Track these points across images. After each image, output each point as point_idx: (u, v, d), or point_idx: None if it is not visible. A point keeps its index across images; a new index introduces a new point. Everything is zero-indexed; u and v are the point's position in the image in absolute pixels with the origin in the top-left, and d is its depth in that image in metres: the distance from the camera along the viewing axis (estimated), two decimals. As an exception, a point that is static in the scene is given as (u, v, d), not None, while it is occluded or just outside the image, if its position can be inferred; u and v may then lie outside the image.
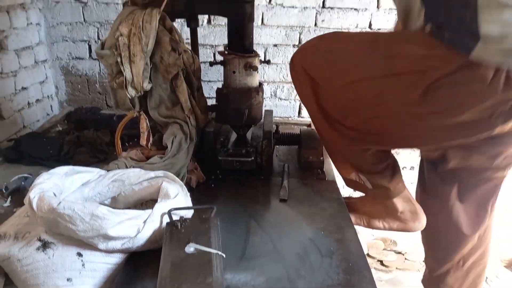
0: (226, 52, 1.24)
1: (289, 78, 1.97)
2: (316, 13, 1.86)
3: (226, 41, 1.28)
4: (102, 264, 0.83)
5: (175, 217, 0.87)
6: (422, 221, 1.21)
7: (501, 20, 0.73)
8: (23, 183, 1.23)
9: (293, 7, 1.85)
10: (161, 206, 0.89)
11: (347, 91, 0.97)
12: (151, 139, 1.27)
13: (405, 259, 2.13)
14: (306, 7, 1.85)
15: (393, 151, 1.17)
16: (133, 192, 1.01)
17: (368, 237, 2.10)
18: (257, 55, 1.24)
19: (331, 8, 1.84)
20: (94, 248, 0.82)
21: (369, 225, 1.26)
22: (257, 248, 0.93)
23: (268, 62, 1.35)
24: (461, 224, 1.18)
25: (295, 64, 1.08)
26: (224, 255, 0.80)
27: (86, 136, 1.55)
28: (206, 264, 0.75)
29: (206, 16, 1.88)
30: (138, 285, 0.81)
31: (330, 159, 1.45)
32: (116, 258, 0.84)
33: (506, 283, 1.96)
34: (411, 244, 2.07)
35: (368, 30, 1.88)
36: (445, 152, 1.12)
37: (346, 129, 1.02)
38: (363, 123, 0.98)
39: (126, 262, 0.86)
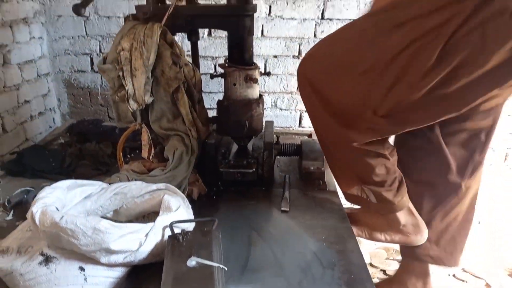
0: (226, 65, 1.26)
1: (290, 89, 2.00)
2: (315, 25, 1.88)
3: (226, 53, 1.29)
4: (104, 278, 0.83)
5: (176, 230, 0.88)
6: (424, 234, 1.20)
7: None
8: (25, 196, 1.23)
9: (292, 18, 1.88)
10: (163, 219, 0.89)
11: (363, 81, 0.93)
12: (152, 151, 1.28)
13: (408, 268, 2.11)
14: (305, 19, 1.87)
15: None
16: (135, 205, 1.02)
17: (371, 247, 2.10)
18: (257, 67, 1.26)
19: (330, 19, 1.86)
20: (96, 262, 0.82)
21: (371, 237, 1.26)
22: (259, 261, 0.94)
23: (268, 74, 1.36)
24: (448, 165, 1.15)
25: (299, 76, 1.08)
26: (225, 268, 0.80)
27: (88, 148, 1.56)
28: (208, 278, 0.75)
29: (207, 29, 1.90)
30: (140, 299, 0.81)
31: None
32: (118, 272, 0.85)
33: (510, 292, 1.95)
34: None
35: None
36: None
37: (378, 118, 0.95)
38: (397, 104, 0.92)
39: (128, 276, 0.87)
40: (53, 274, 0.81)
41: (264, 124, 1.40)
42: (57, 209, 0.87)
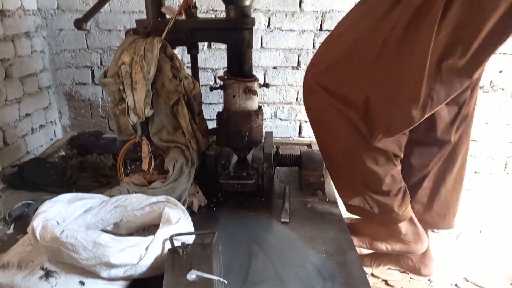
0: (226, 77, 1.27)
1: (289, 99, 2.01)
2: (314, 36, 1.90)
3: (226, 65, 1.31)
4: (105, 292, 0.83)
5: (176, 243, 0.88)
6: (424, 243, 1.21)
7: None
8: (26, 209, 1.23)
9: (291, 30, 1.90)
10: (163, 232, 0.89)
11: (381, 65, 0.95)
12: (152, 163, 1.28)
13: (410, 278, 2.10)
14: (304, 30, 1.89)
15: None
16: (135, 217, 1.02)
17: (372, 256, 2.09)
18: (256, 79, 1.27)
19: (329, 30, 1.88)
20: (96, 276, 0.82)
21: (372, 247, 1.26)
22: (259, 273, 0.93)
23: (267, 85, 1.37)
24: (434, 122, 1.13)
25: (308, 86, 1.09)
26: (226, 282, 0.80)
27: (89, 160, 1.57)
28: (208, 291, 0.75)
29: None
30: (140, 312, 0.81)
31: (330, 180, 1.46)
32: (118, 286, 0.85)
33: (513, 302, 1.93)
34: (416, 263, 2.05)
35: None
36: None
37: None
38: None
39: (128, 290, 0.87)
40: (53, 288, 0.81)
41: (263, 135, 1.41)
42: (58, 223, 0.87)
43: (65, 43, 1.95)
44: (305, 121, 2.05)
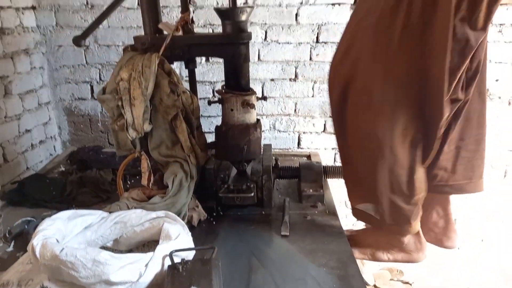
0: (223, 91, 1.28)
1: (287, 111, 2.02)
2: (311, 48, 1.92)
3: (224, 78, 1.32)
4: (105, 310, 0.83)
5: (176, 259, 0.88)
6: (425, 251, 1.21)
7: None
8: (26, 226, 1.23)
9: (288, 43, 1.91)
10: (163, 248, 0.89)
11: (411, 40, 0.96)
12: (152, 178, 1.29)
13: (412, 289, 2.09)
14: (301, 43, 1.91)
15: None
16: (135, 233, 1.02)
17: (374, 268, 2.08)
18: (253, 93, 1.28)
19: (325, 42, 1.90)
20: (96, 294, 0.82)
21: (374, 258, 1.26)
22: (259, 288, 0.93)
23: (264, 98, 1.38)
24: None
25: (338, 84, 1.10)
26: (226, 297, 0.80)
27: (89, 176, 1.57)
28: (208, 308, 0.75)
29: (204, 56, 1.94)
30: (140, 330, 0.80)
31: (330, 192, 1.46)
32: (119, 304, 0.84)
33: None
34: (418, 274, 2.05)
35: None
36: None
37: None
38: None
39: (129, 307, 0.86)
40: (53, 307, 0.80)
41: (262, 147, 1.41)
42: (58, 241, 0.87)
43: (64, 59, 1.97)
44: (304, 133, 2.06)
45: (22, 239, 1.19)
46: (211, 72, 1.97)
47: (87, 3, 1.89)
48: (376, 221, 1.14)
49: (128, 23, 1.91)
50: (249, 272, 0.99)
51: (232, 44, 1.23)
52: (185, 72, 1.64)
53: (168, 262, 0.87)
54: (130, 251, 1.04)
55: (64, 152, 2.01)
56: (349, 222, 2.10)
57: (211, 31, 1.89)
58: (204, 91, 1.98)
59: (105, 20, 1.44)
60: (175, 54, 1.24)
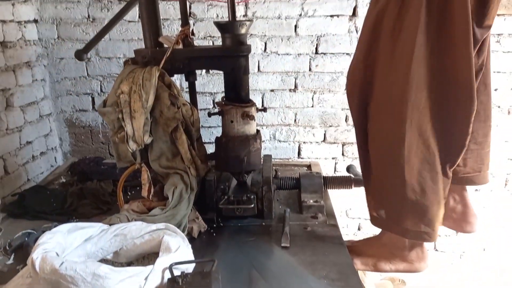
0: (223, 103, 1.29)
1: (287, 121, 2.03)
2: (310, 59, 1.93)
3: (224, 89, 1.33)
4: (104, 324, 0.82)
5: (176, 272, 0.88)
6: (427, 261, 1.20)
7: None
8: (26, 239, 1.23)
9: (287, 54, 1.93)
10: (163, 261, 0.89)
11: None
12: (152, 190, 1.29)
13: (415, 300, 2.07)
14: (300, 54, 1.93)
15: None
16: (135, 246, 1.02)
17: (376, 278, 2.07)
18: (253, 104, 1.29)
19: (324, 53, 1.91)
20: (96, 308, 0.82)
21: (376, 268, 1.25)
22: (259, 301, 0.93)
23: (264, 110, 1.39)
24: None
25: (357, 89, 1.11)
26: (226, 311, 0.80)
27: (89, 187, 1.57)
28: (208, 321, 0.75)
29: (204, 68, 1.95)
30: None
31: (331, 202, 1.45)
32: (118, 317, 0.84)
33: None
34: (420, 283, 2.03)
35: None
36: None
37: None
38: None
39: (128, 321, 0.86)
40: (52, 321, 0.80)
41: (262, 158, 1.42)
42: (57, 254, 0.87)
43: (65, 71, 1.99)
44: (304, 142, 2.07)
45: (22, 251, 1.19)
46: (211, 83, 1.98)
47: (88, 16, 1.92)
48: (398, 229, 1.09)
49: (129, 35, 1.93)
50: (249, 284, 0.99)
51: (231, 57, 1.24)
52: (185, 84, 1.65)
53: (168, 275, 0.87)
54: (130, 263, 1.04)
55: (65, 164, 2.01)
56: (350, 231, 2.10)
57: (211, 43, 1.91)
58: (204, 102, 2.00)
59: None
60: (175, 67, 1.25)
